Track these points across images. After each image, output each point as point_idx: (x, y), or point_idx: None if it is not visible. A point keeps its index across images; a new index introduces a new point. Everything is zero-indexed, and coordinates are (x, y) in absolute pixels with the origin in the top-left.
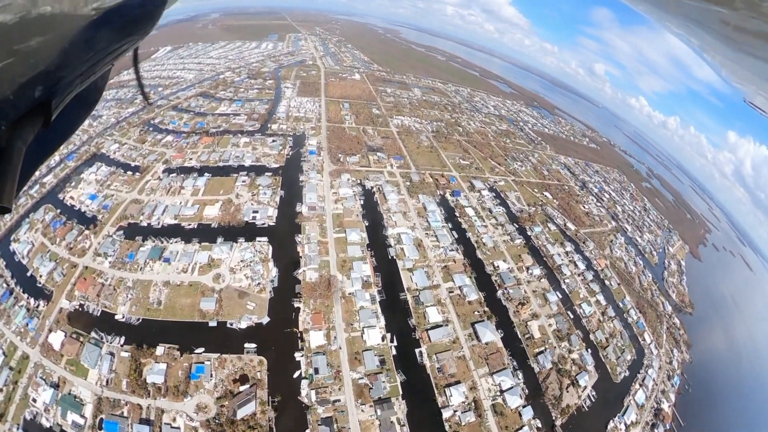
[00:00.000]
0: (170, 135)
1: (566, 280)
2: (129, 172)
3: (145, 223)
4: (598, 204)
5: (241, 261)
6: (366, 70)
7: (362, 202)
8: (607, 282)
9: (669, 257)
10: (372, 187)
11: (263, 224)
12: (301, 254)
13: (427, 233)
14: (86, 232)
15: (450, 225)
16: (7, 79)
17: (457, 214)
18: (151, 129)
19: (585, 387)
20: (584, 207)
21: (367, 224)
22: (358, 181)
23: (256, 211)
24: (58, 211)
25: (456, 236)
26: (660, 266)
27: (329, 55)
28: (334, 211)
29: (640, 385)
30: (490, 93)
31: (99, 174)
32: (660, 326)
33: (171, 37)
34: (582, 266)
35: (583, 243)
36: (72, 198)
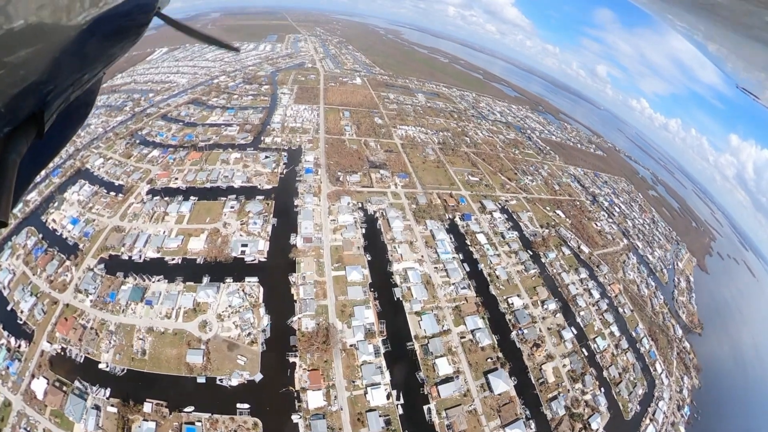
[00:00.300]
0: (157, 149)
1: (581, 313)
2: (112, 193)
3: (126, 256)
4: (610, 220)
5: (229, 306)
6: (367, 74)
7: (364, 230)
8: (620, 310)
9: (678, 273)
10: (375, 212)
11: (253, 260)
12: (295, 297)
13: (436, 267)
14: (67, 263)
15: (461, 256)
16: None
17: (468, 242)
18: (137, 141)
19: (597, 429)
20: (596, 224)
21: (369, 259)
22: (359, 205)
23: (246, 245)
24: (41, 236)
25: (468, 269)
26: (670, 285)
27: (329, 58)
28: (332, 243)
29: (651, 420)
30: (495, 97)
31: (82, 194)
32: (671, 352)
33: (168, 38)
34: (597, 295)
35: (597, 267)
36: (54, 221)
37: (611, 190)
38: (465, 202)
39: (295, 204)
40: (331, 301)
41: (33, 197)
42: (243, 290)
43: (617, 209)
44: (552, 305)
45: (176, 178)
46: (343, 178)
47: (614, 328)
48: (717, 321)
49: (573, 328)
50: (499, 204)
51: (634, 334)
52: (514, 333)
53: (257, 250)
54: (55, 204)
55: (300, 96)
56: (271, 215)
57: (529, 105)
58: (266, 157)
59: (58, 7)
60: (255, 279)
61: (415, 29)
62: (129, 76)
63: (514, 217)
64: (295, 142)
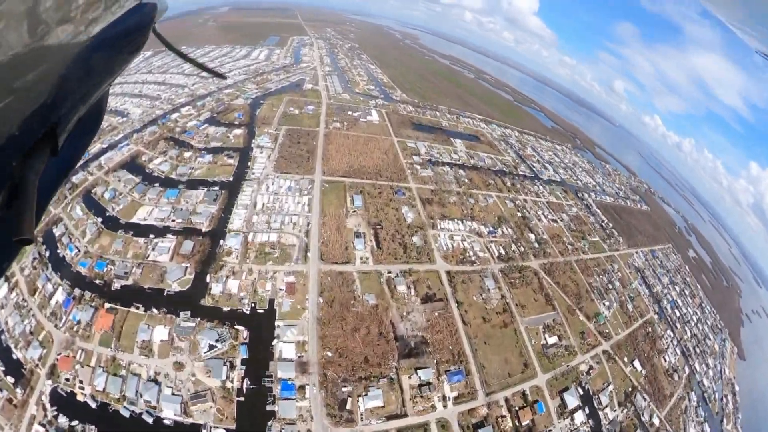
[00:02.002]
0: (62, 286)
1: None
2: (10, 378)
3: None
4: (674, 342)
5: None
6: (385, 102)
7: None
8: None
9: (725, 385)
10: None
11: None
12: None
13: None
14: None
15: None
16: (10, 116)
17: None
18: (45, 255)
19: None
20: (665, 360)
21: None
22: None
23: None
24: None
25: None
26: (720, 411)
27: (337, 73)
28: None
29: None
30: (536, 134)
31: None
32: None
33: (151, 38)
34: None
35: None
36: None
37: (668, 279)
38: (543, 410)
39: None
40: None
41: None
42: None
43: (678, 313)
44: None
45: (81, 382)
46: (352, 403)
47: None
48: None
49: None
50: (581, 388)
51: None
52: None
53: None
54: None
55: (286, 153)
56: None
57: (568, 140)
58: (211, 347)
59: (59, 29)
60: None
61: (430, 33)
62: None
63: (596, 403)
64: (265, 293)
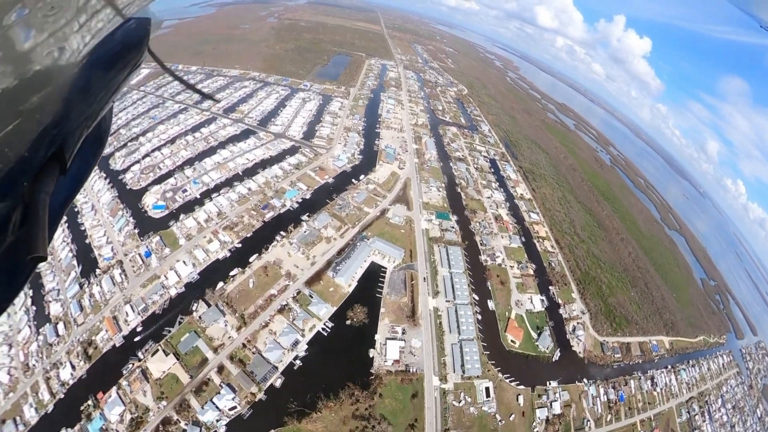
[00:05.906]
0: None
1: None
2: None
3: None
4: None
5: None
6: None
7: None
8: None
9: None
10: None
11: None
12: None
13: None
14: None
15: None
16: (19, 138)
17: None
18: None
19: None
20: None
21: None
22: None
23: None
24: None
25: None
26: None
27: (449, 207)
28: None
29: None
30: (714, 347)
31: None
32: None
33: (181, 40)
34: None
35: None
36: None
37: None
38: None
39: None
40: None
41: None
42: None
43: None
44: None
45: None
46: None
47: None
48: None
49: None
50: None
51: None
52: None
53: None
54: None
55: None
56: None
57: (723, 324)
58: None
59: (59, 51)
60: None
61: (522, 58)
62: None
63: None
64: None
